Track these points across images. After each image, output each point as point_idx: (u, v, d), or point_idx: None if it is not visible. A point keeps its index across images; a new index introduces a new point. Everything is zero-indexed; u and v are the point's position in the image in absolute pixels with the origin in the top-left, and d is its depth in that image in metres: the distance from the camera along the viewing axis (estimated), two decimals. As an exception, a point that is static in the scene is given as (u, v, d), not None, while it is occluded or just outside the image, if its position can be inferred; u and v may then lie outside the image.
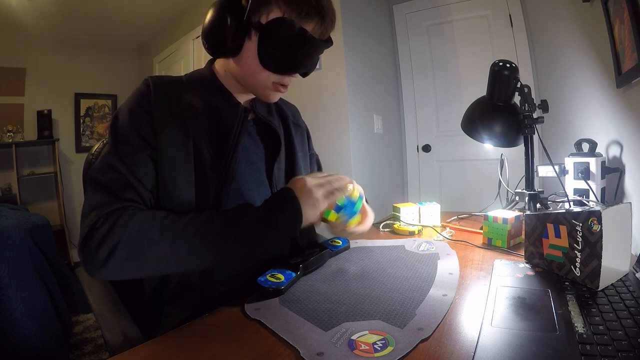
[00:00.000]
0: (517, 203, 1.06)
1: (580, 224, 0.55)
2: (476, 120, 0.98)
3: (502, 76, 0.90)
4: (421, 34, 2.51)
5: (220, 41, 0.62)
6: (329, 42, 0.66)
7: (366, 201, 0.78)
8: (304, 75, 0.68)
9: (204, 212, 0.57)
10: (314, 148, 0.93)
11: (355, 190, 0.65)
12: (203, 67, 0.74)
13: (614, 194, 1.02)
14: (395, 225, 0.99)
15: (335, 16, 0.65)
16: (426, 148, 2.54)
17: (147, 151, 0.59)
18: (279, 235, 0.57)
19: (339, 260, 0.75)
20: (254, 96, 0.73)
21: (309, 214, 0.58)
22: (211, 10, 0.62)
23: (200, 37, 0.65)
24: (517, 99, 0.93)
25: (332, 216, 0.62)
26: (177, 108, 0.63)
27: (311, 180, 0.60)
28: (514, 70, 0.89)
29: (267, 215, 0.57)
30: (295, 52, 0.63)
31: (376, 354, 0.41)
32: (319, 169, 0.93)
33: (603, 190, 1.01)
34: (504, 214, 0.80)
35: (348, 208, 0.63)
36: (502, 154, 1.16)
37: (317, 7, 0.61)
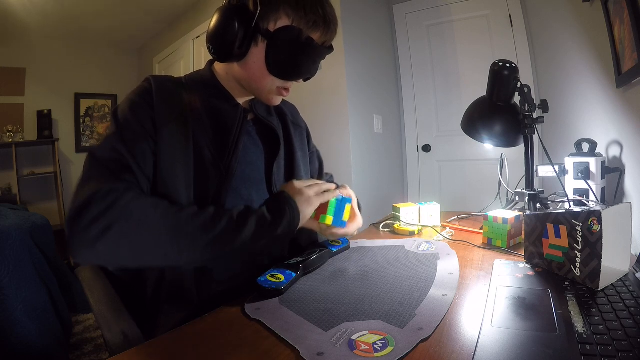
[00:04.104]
0: (517, 203, 1.06)
1: (580, 224, 0.55)
2: (476, 120, 0.98)
3: (502, 76, 0.90)
4: (421, 34, 2.50)
5: (227, 46, 0.62)
6: (331, 49, 0.68)
7: (359, 207, 0.81)
8: (306, 79, 0.70)
9: (208, 208, 0.56)
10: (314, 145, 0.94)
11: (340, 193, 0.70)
12: (202, 68, 0.74)
13: (614, 194, 1.02)
14: (395, 225, 0.99)
15: (337, 24, 0.67)
16: (426, 148, 2.54)
17: (148, 141, 0.59)
18: (280, 233, 0.59)
19: (339, 260, 0.75)
20: (253, 97, 0.73)
21: (306, 211, 0.62)
22: (218, 14, 0.62)
23: (205, 41, 0.65)
24: (517, 99, 0.93)
25: (328, 220, 0.66)
26: (178, 107, 0.64)
27: (300, 183, 0.65)
28: (514, 70, 0.89)
29: (267, 214, 0.59)
30: (301, 60, 0.64)
31: (376, 354, 0.41)
32: (320, 164, 0.94)
33: (603, 190, 1.01)
34: (504, 214, 0.80)
35: (339, 209, 0.68)
36: (502, 154, 1.16)
37: (323, 16, 0.63)
